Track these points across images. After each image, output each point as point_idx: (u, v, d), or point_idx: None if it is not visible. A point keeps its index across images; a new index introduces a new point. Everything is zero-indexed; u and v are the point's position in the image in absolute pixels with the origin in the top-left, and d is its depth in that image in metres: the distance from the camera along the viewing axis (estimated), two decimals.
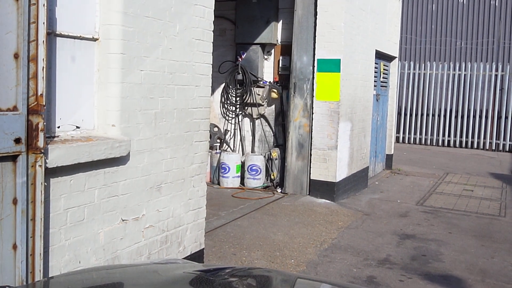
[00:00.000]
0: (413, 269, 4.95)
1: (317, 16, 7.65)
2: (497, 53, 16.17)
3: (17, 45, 2.59)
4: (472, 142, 15.37)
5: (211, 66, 4.48)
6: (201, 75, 4.30)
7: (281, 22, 8.41)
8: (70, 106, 3.31)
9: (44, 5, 2.68)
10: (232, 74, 8.50)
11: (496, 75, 15.10)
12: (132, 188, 3.64)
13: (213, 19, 4.43)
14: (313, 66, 7.72)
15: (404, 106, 16.01)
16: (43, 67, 2.70)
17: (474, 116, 15.33)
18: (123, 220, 3.59)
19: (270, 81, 8.43)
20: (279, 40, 8.43)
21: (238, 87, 8.51)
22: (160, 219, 3.97)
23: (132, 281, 1.98)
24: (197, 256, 4.44)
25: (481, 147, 15.25)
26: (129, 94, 3.52)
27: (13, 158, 2.63)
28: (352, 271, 4.83)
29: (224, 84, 8.65)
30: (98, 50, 3.44)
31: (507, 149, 14.98)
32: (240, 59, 8.47)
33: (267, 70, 8.53)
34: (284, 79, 8.30)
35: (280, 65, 8.36)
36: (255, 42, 8.37)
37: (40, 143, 2.73)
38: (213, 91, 8.83)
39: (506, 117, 14.93)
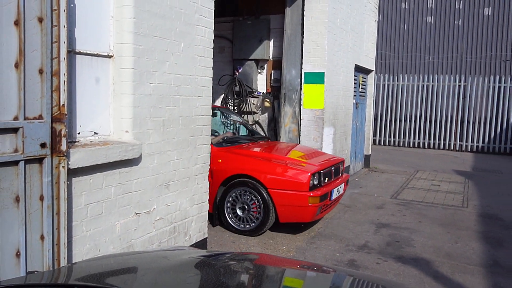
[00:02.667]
0: (388, 253, 4.96)
1: (304, 35, 7.67)
2: (460, 67, 16.25)
3: (42, 61, 2.59)
4: (439, 144, 15.41)
5: (212, 79, 4.48)
6: (203, 87, 4.31)
7: (272, 40, 8.43)
8: (88, 115, 3.31)
9: (64, 26, 2.68)
10: (230, 86, 8.50)
11: (459, 85, 15.16)
12: (144, 186, 3.64)
13: (213, 38, 4.44)
14: (301, 79, 7.73)
15: (380, 113, 16.05)
16: (64, 81, 2.70)
17: (441, 121, 15.37)
18: (136, 214, 3.59)
19: (263, 92, 8.44)
20: (271, 56, 8.44)
21: (236, 97, 8.50)
22: (168, 212, 3.97)
23: (145, 266, 1.98)
24: (201, 244, 4.44)
25: (447, 148, 15.30)
26: (140, 104, 3.53)
27: (40, 160, 2.63)
28: (336, 255, 4.84)
29: (223, 95, 8.64)
30: (112, 66, 3.45)
31: (469, 150, 15.03)
32: (237, 73, 8.48)
33: (261, 82, 8.54)
34: (275, 90, 8.31)
35: (272, 78, 8.37)
36: (250, 58, 8.38)
37: (63, 147, 2.73)
38: (214, 101, 8.83)
39: (468, 122, 15.00)
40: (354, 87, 9.47)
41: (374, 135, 15.82)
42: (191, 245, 4.23)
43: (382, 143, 16.07)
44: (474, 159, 13.32)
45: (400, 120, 15.84)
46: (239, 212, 5.26)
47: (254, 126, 8.54)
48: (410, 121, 15.72)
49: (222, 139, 5.91)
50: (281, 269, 2.10)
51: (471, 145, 15.04)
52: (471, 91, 15.01)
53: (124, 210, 3.46)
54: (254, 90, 8.38)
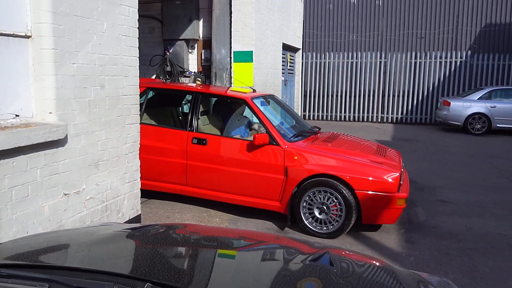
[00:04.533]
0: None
1: (232, 15, 7.67)
2: (381, 44, 16.95)
3: None
4: (363, 116, 16.11)
5: (138, 58, 4.40)
6: (129, 67, 4.22)
7: (202, 20, 8.34)
8: (8, 97, 3.15)
9: None
10: (161, 66, 8.35)
11: (380, 62, 15.84)
12: (72, 166, 3.54)
13: (137, 17, 4.34)
14: (230, 58, 7.76)
15: (309, 89, 16.44)
16: None
17: (364, 95, 16.03)
18: (65, 194, 3.50)
19: (195, 71, 8.38)
20: (201, 36, 8.37)
21: (168, 77, 8.38)
22: (99, 192, 3.90)
23: (70, 242, 1.97)
24: (134, 221, 4.41)
25: (370, 120, 16.03)
26: (63, 85, 3.40)
27: None
28: (266, 223, 4.99)
29: (155, 75, 8.48)
30: (31, 46, 3.28)
31: (390, 121, 15.85)
32: (168, 53, 8.34)
33: (192, 62, 8.47)
34: (206, 69, 8.28)
35: (203, 57, 8.32)
36: (180, 38, 8.27)
37: None
38: None
39: (389, 96, 15.77)
40: (283, 65, 9.63)
41: (304, 110, 16.23)
42: (125, 222, 4.20)
43: (312, 118, 16.51)
44: (394, 129, 14.06)
45: (328, 96, 16.33)
46: (316, 213, 4.59)
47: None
48: (337, 96, 16.26)
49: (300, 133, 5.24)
50: (210, 237, 2.16)
51: (391, 117, 15.86)
52: (391, 67, 15.75)
53: (52, 192, 3.37)
54: (185, 70, 8.30)
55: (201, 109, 5.39)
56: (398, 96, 15.76)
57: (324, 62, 16.36)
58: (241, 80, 7.69)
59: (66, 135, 3.41)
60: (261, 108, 5.08)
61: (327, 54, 16.40)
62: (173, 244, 1.97)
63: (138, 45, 4.36)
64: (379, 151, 5.16)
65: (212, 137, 5.08)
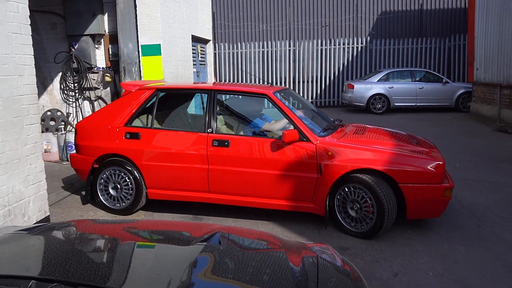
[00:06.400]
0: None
1: (137, 8, 7.48)
2: (290, 33, 17.44)
3: None
4: None
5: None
6: (23, 66, 3.99)
7: (106, 14, 8.03)
8: None
9: None
10: (67, 63, 7.94)
11: (289, 50, 16.31)
12: None
13: (28, 14, 4.10)
14: (138, 51, 7.58)
15: (224, 79, 16.53)
16: None
17: (277, 83, 16.46)
18: None
19: (103, 67, 8.07)
20: (107, 31, 8.06)
21: (75, 74, 8.00)
22: (0, 196, 3.68)
23: None
24: (42, 223, 4.22)
25: None
26: None
27: None
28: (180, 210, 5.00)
29: (61, 73, 8.05)
30: None
31: None
32: (73, 49, 7.94)
33: (99, 57, 8.14)
34: (115, 64, 8.01)
35: (110, 53, 8.03)
36: (85, 33, 7.90)
37: None
38: (52, 80, 8.19)
39: (299, 81, 16.34)
40: (194, 57, 9.59)
41: None
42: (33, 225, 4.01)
43: None
44: None
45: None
46: (351, 212, 4.17)
47: (98, 102, 8.18)
48: (252, 83, 16.50)
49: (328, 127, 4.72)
50: (103, 231, 2.15)
51: None
52: (300, 55, 16.29)
53: None
54: (93, 66, 7.97)
55: (218, 108, 4.82)
56: (308, 81, 16.37)
57: (237, 52, 16.50)
58: (151, 74, 7.56)
59: None
60: (284, 102, 4.55)
61: (240, 44, 16.56)
62: (61, 242, 1.94)
63: (32, 43, 4.13)
64: (412, 140, 4.77)
65: (234, 137, 4.47)
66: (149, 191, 4.77)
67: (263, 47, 16.43)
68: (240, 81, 16.51)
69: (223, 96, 5.25)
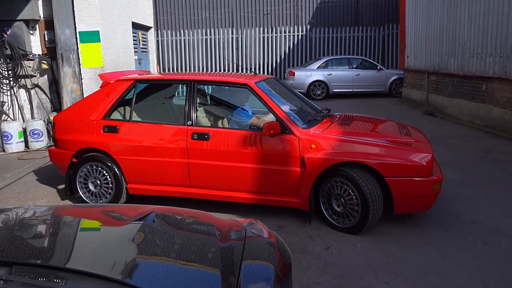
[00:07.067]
0: None
1: None
2: (233, 21, 17.46)
3: None
4: None
5: None
6: None
7: None
8: None
9: None
10: (0, 50, 7.58)
11: (232, 38, 16.38)
12: None
13: None
14: (76, 38, 7.38)
15: (167, 66, 16.35)
16: None
17: (221, 70, 16.51)
18: None
19: (39, 54, 7.77)
20: (42, 16, 7.75)
21: (9, 61, 7.65)
22: None
23: None
24: None
25: None
26: None
27: None
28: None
29: None
30: None
31: None
32: (5, 35, 7.57)
33: (35, 44, 7.82)
34: (52, 51, 7.75)
35: (46, 39, 7.75)
36: (18, 18, 7.55)
37: None
38: None
39: (242, 69, 16.48)
40: (135, 44, 9.44)
41: None
42: None
43: None
44: None
45: (188, 72, 16.43)
46: (336, 207, 4.00)
47: (34, 90, 7.89)
48: (197, 71, 16.45)
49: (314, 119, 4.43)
50: (52, 215, 2.19)
51: None
52: (243, 42, 16.40)
53: None
54: (28, 53, 7.66)
55: (198, 99, 4.56)
56: (251, 69, 16.54)
57: (180, 40, 16.34)
58: (91, 61, 7.39)
59: None
60: (267, 93, 4.30)
61: (183, 32, 16.39)
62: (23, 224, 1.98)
63: None
64: (402, 130, 4.51)
65: (214, 130, 4.24)
66: (129, 186, 4.53)
67: (206, 34, 16.37)
68: (184, 69, 16.39)
69: (204, 86, 5.05)
